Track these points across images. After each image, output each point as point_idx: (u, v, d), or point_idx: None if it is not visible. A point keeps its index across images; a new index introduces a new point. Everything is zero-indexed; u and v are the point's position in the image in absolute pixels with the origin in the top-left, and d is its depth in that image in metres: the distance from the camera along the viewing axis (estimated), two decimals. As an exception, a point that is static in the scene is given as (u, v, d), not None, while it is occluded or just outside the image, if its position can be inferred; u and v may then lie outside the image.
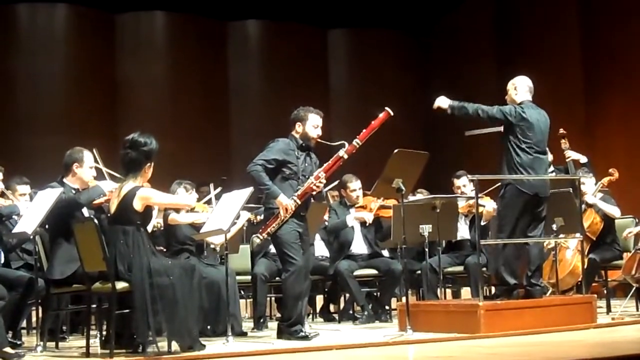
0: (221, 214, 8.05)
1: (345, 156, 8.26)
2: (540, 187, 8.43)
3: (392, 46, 19.05)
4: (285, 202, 8.02)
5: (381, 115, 8.41)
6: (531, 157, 8.39)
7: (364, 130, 8.31)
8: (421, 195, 10.85)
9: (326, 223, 10.53)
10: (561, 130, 10.82)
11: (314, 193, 8.27)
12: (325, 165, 8.29)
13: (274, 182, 8.15)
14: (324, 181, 8.26)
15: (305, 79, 17.77)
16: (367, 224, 10.41)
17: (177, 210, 9.11)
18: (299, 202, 8.10)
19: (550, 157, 10.73)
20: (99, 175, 8.54)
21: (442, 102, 8.75)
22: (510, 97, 8.70)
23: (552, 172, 10.65)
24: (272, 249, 9.89)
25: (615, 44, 14.29)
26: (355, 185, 10.55)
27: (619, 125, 14.27)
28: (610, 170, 10.57)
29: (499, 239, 8.48)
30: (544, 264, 9.68)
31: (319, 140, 8.35)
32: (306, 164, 8.30)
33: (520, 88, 8.68)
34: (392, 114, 8.36)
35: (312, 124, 8.32)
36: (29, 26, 16.63)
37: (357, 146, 8.27)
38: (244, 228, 10.21)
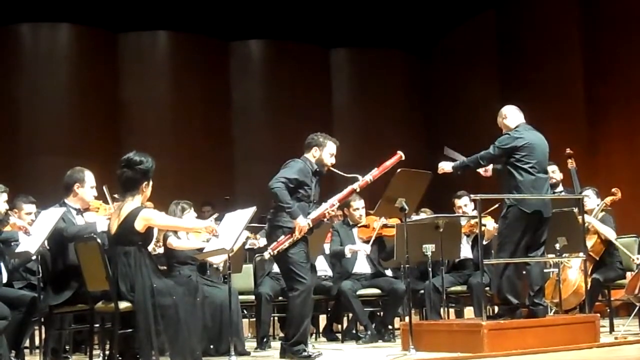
0: (224, 233, 8.04)
1: (358, 189, 8.35)
2: (543, 207, 8.42)
3: (394, 65, 19.08)
4: (303, 223, 8.02)
5: (394, 158, 8.48)
6: (533, 177, 8.36)
7: (376, 170, 8.38)
8: (425, 215, 10.85)
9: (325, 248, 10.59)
10: (568, 150, 10.84)
11: (325, 219, 8.30)
12: (339, 195, 8.34)
13: None
14: (335, 210, 8.33)
15: (307, 98, 17.81)
16: (371, 243, 10.39)
17: (176, 233, 9.10)
18: (311, 226, 8.13)
19: (560, 176, 10.77)
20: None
21: (446, 166, 8.78)
22: (505, 125, 8.68)
23: (561, 192, 10.67)
24: (275, 268, 9.90)
25: (618, 63, 14.31)
26: (358, 204, 10.55)
27: (622, 144, 14.27)
28: (613, 190, 10.56)
29: (501, 259, 8.46)
30: (547, 284, 9.71)
31: (332, 169, 8.38)
32: (316, 189, 8.34)
33: (510, 114, 8.67)
34: (403, 157, 8.46)
35: (329, 152, 8.36)
36: (31, 46, 16.66)
37: (369, 182, 8.34)
38: (245, 248, 10.20)
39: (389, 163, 8.43)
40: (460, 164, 8.70)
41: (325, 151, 8.34)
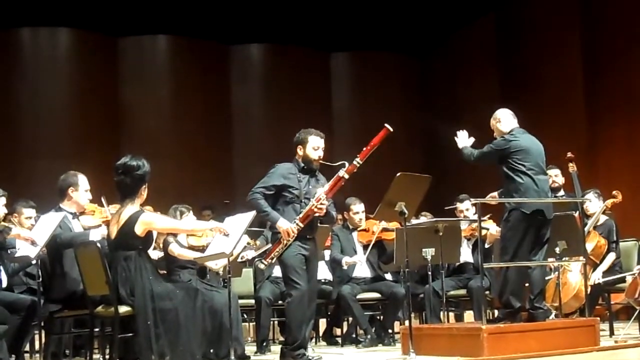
0: (224, 237, 8.02)
1: (346, 176, 8.13)
2: (544, 208, 8.42)
3: (394, 69, 19.12)
4: (286, 226, 7.96)
5: (381, 132, 8.30)
6: (532, 179, 8.37)
7: (364, 149, 8.22)
8: (425, 219, 10.84)
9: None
10: (569, 154, 10.83)
11: (317, 215, 8.19)
12: (326, 186, 8.19)
13: (277, 206, 8.12)
14: (326, 203, 8.12)
15: (308, 102, 17.83)
16: (370, 248, 10.39)
17: (175, 236, 9.08)
18: (302, 226, 8.01)
19: (562, 180, 10.78)
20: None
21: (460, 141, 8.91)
22: (498, 130, 8.70)
23: (562, 196, 10.68)
24: (274, 272, 9.90)
25: (618, 65, 14.31)
26: (358, 208, 10.55)
27: (622, 147, 14.26)
28: (614, 192, 10.57)
29: (503, 262, 8.45)
30: (547, 287, 9.72)
31: (320, 161, 8.32)
32: (310, 187, 8.21)
33: (504, 118, 8.69)
34: (391, 130, 8.23)
35: (312, 146, 8.24)
36: (31, 50, 16.71)
37: (358, 165, 8.16)
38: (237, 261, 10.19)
39: (376, 139, 8.26)
40: (462, 148, 8.82)
41: (308, 146, 8.25)
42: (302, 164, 8.26)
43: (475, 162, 8.75)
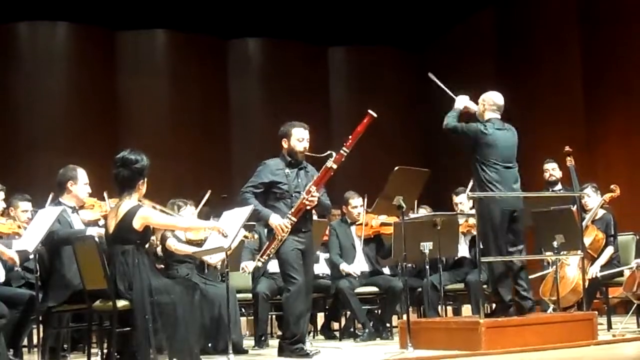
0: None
1: (334, 166, 8.12)
2: (511, 200, 8.41)
3: (392, 63, 19.10)
4: (278, 222, 7.96)
5: (365, 119, 8.27)
6: (497, 172, 8.35)
7: (350, 137, 8.20)
8: (425, 211, 10.84)
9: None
10: (567, 148, 10.82)
11: (309, 208, 8.17)
12: (315, 178, 8.18)
13: (268, 203, 8.12)
14: (317, 194, 8.10)
15: (305, 97, 17.79)
16: (362, 238, 10.39)
17: (173, 231, 9.07)
18: (294, 220, 8.01)
19: (559, 174, 10.77)
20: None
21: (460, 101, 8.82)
22: (479, 111, 8.71)
23: (560, 189, 10.67)
24: (271, 268, 9.89)
25: (616, 61, 14.31)
26: (356, 202, 10.53)
27: (619, 142, 14.27)
28: (612, 186, 10.55)
29: (499, 257, 8.43)
30: (545, 282, 9.73)
31: (307, 153, 8.27)
32: (299, 180, 8.21)
33: (488, 106, 8.67)
34: (374, 116, 8.21)
35: (297, 138, 8.23)
36: (29, 44, 16.69)
37: (345, 154, 8.15)
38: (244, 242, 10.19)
39: (360, 127, 8.24)
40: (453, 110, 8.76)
41: (293, 139, 8.24)
42: (289, 158, 8.25)
43: (447, 130, 8.68)
